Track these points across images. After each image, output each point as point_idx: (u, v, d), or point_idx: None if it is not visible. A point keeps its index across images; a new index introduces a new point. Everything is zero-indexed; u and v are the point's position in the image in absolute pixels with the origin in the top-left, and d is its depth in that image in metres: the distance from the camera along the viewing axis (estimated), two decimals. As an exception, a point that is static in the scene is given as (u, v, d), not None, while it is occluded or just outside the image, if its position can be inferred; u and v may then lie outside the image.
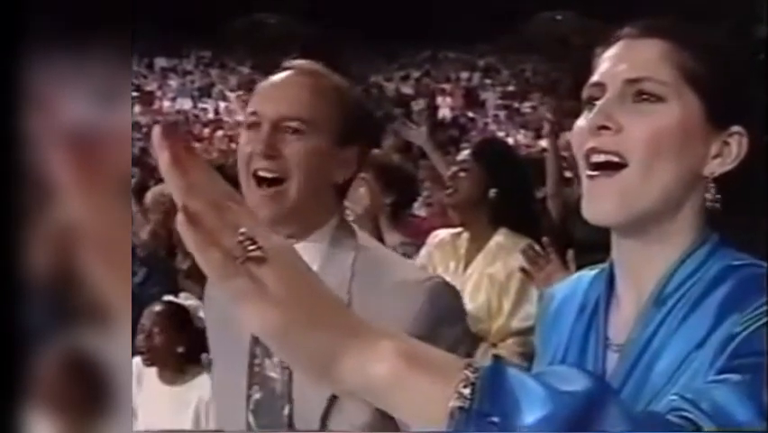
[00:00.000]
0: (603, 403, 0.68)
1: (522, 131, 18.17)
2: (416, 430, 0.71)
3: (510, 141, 12.02)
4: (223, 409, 1.49)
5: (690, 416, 0.74)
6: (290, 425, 1.34)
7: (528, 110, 19.82)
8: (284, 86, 1.40)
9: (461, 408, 0.66)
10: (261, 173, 1.34)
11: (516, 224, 2.73)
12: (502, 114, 20.08)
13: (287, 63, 1.44)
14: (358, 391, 0.70)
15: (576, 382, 0.69)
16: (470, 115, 19.53)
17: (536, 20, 22.02)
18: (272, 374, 1.37)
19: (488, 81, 21.76)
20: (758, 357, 0.80)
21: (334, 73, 1.45)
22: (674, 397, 0.77)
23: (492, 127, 18.88)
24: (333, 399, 1.29)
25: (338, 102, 1.39)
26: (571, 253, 2.62)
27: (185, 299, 2.98)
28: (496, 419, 0.66)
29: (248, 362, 1.39)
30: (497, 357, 0.71)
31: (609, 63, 1.00)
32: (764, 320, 0.83)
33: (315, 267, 1.37)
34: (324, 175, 1.37)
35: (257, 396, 1.39)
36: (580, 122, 0.99)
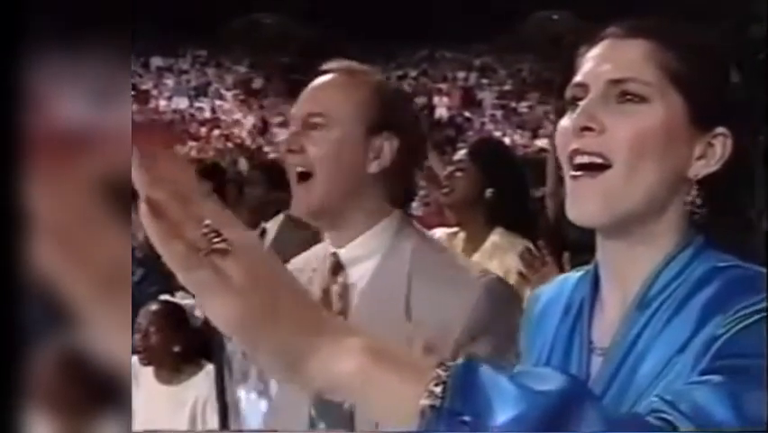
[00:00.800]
0: (578, 404, 0.67)
1: (519, 130, 18.18)
2: (386, 429, 0.70)
3: (507, 140, 12.02)
4: (285, 403, 1.50)
5: (669, 418, 0.73)
6: (351, 419, 1.35)
7: (525, 110, 19.84)
8: (314, 86, 1.47)
9: (431, 406, 0.65)
10: (298, 169, 1.41)
11: (512, 223, 2.73)
12: (499, 113, 20.10)
13: (324, 66, 1.50)
14: (326, 389, 0.69)
15: (551, 382, 0.67)
16: (467, 114, 19.54)
17: (533, 20, 22.02)
18: None
19: (484, 81, 21.77)
20: (740, 359, 0.80)
21: (369, 68, 1.51)
22: (654, 399, 0.77)
23: (489, 127, 18.89)
24: None
25: (366, 95, 1.43)
26: (567, 256, 2.63)
27: (181, 299, 2.98)
28: (467, 418, 0.65)
29: None
30: (470, 356, 0.70)
31: (593, 63, 0.99)
32: (747, 322, 0.82)
33: (376, 259, 1.41)
34: (353, 166, 1.41)
35: None
36: (564, 122, 0.98)
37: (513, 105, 20.42)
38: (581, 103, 0.97)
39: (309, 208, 1.41)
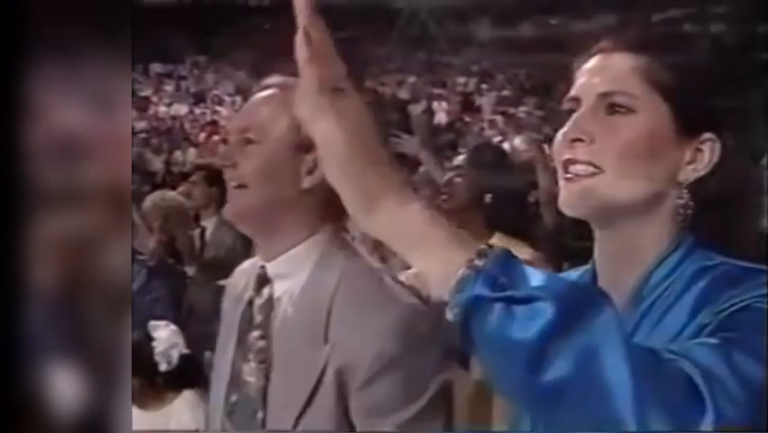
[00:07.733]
0: (598, 300, 0.77)
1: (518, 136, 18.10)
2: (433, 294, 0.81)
3: (506, 146, 11.98)
4: (210, 411, 1.51)
5: (678, 364, 0.77)
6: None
7: (523, 115, 19.82)
8: (251, 102, 1.49)
9: (473, 268, 0.76)
10: (232, 183, 1.43)
11: (511, 229, 2.74)
12: (498, 118, 20.07)
13: (265, 82, 1.51)
14: (386, 232, 0.81)
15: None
16: (466, 119, 19.53)
17: (531, 25, 22.02)
18: (249, 379, 1.40)
19: (483, 86, 21.76)
20: (731, 332, 0.83)
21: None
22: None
23: (488, 132, 18.88)
24: (306, 407, 1.31)
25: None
26: (566, 267, 2.62)
27: (155, 329, 2.89)
28: (504, 280, 0.76)
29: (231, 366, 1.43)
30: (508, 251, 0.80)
31: (585, 77, 1.06)
32: (735, 308, 0.86)
33: (303, 275, 1.37)
34: (285, 181, 1.40)
35: (233, 398, 1.41)
36: (559, 133, 1.05)
37: (512, 110, 20.40)
38: (574, 115, 1.03)
39: (239, 215, 1.43)
